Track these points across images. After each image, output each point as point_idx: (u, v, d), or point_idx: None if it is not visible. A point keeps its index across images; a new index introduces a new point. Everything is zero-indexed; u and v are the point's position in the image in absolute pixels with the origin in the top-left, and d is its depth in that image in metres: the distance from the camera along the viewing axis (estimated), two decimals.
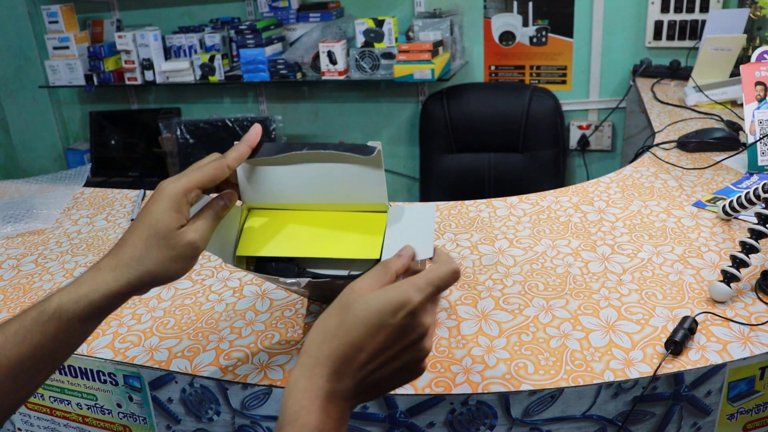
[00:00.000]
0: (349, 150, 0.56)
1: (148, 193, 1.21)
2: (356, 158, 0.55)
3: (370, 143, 0.56)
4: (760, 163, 1.08)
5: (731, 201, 0.89)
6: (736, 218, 0.92)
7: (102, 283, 0.53)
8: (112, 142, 2.64)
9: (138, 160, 2.61)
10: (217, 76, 2.28)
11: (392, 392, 0.59)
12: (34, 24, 2.63)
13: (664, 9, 1.99)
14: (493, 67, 2.26)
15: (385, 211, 0.60)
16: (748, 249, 0.74)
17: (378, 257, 0.58)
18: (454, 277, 0.50)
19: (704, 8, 1.93)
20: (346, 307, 0.48)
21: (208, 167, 0.56)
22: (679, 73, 1.84)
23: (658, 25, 2.01)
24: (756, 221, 0.75)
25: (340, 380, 0.46)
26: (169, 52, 2.39)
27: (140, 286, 0.54)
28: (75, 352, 0.70)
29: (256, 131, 0.58)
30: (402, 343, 0.48)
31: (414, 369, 0.50)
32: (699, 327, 0.68)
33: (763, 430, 0.69)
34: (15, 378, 0.51)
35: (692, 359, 0.64)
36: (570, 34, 2.13)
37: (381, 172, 0.56)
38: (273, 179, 0.60)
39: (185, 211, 0.55)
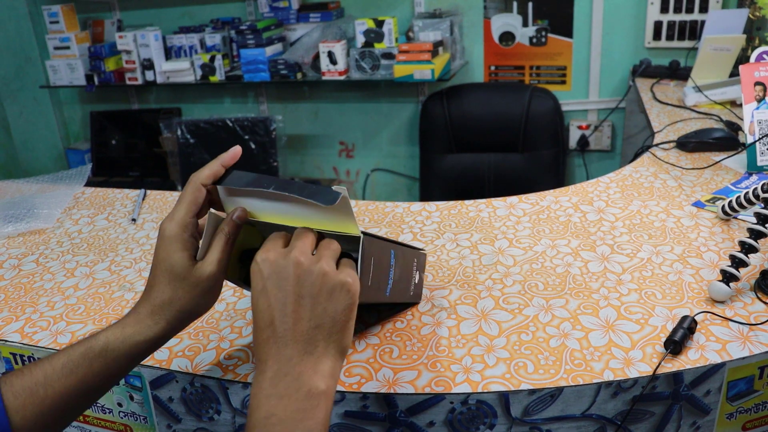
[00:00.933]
0: (313, 196, 0.54)
1: (149, 192, 1.21)
2: (320, 206, 0.54)
3: (335, 187, 0.53)
4: (759, 163, 1.08)
5: (730, 201, 0.89)
6: (735, 218, 0.92)
7: (144, 327, 0.56)
8: (113, 142, 2.65)
9: (139, 160, 2.61)
10: (218, 76, 2.28)
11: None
12: (35, 24, 2.64)
13: (664, 9, 1.99)
14: (492, 68, 2.26)
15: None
16: (748, 249, 0.74)
17: (359, 234, 0.57)
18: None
19: (703, 9, 1.94)
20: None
21: (186, 194, 0.58)
22: (678, 73, 1.85)
23: (658, 25, 2.01)
24: (755, 221, 0.75)
25: (275, 358, 0.49)
26: (169, 52, 2.39)
27: (180, 324, 0.58)
28: None
29: (233, 153, 0.59)
30: (287, 283, 0.50)
31: (336, 291, 0.51)
32: (698, 326, 0.68)
33: (763, 429, 0.69)
34: (59, 409, 0.53)
35: (691, 359, 0.64)
36: (570, 35, 2.13)
37: (349, 214, 0.54)
38: (249, 205, 0.60)
39: (190, 245, 0.57)
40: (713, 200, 0.99)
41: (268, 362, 0.49)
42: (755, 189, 0.82)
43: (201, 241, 0.59)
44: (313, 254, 0.53)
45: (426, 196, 2.27)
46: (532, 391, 0.62)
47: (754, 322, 0.69)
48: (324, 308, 0.51)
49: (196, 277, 0.56)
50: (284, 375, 0.49)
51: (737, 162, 1.14)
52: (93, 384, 0.55)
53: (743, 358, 0.64)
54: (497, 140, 2.15)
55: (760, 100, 1.09)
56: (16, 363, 0.77)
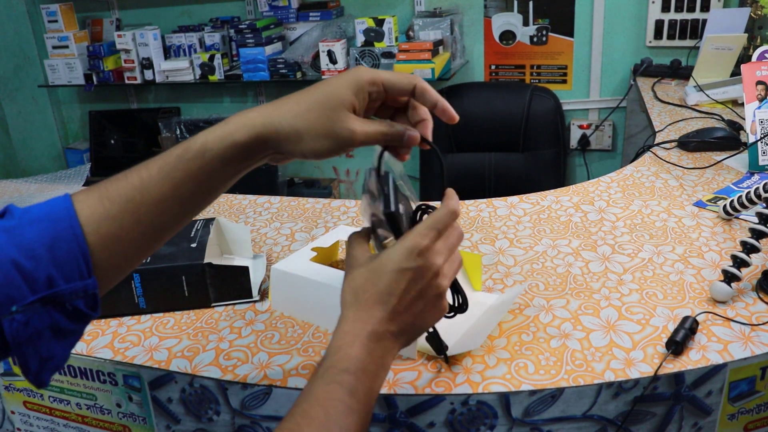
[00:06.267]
0: None
1: None
2: None
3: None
4: (760, 163, 1.08)
5: (732, 201, 0.89)
6: (736, 218, 0.92)
7: (249, 122, 0.50)
8: (112, 141, 2.64)
9: (137, 160, 2.55)
10: (217, 76, 2.28)
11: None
12: (34, 23, 2.63)
13: (665, 8, 1.98)
14: (493, 67, 2.26)
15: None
16: (749, 249, 0.74)
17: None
18: (452, 216, 0.54)
19: (705, 7, 1.93)
20: (365, 265, 0.54)
21: (404, 76, 0.54)
22: (679, 72, 1.84)
23: (659, 24, 2.01)
24: (757, 221, 0.75)
25: (379, 323, 0.52)
26: (168, 52, 2.39)
27: (283, 142, 0.51)
28: (74, 352, 0.70)
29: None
30: (422, 282, 0.53)
31: (437, 306, 0.55)
32: (700, 327, 0.68)
33: (764, 430, 0.69)
34: (156, 218, 0.50)
35: (693, 359, 0.64)
36: (570, 34, 2.13)
37: None
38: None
39: (361, 97, 0.52)
40: (715, 200, 0.98)
41: (371, 320, 0.52)
42: (757, 189, 0.82)
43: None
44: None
45: (426, 195, 2.27)
46: (532, 392, 0.62)
47: (755, 323, 0.68)
48: (425, 315, 0.54)
49: (339, 117, 0.51)
50: (378, 340, 0.52)
51: (739, 161, 1.13)
52: (189, 190, 0.50)
53: (745, 358, 0.64)
54: (498, 140, 2.15)
55: (761, 100, 1.09)
56: (14, 364, 0.76)
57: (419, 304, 0.53)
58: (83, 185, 1.26)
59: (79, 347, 0.73)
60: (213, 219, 0.87)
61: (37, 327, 0.45)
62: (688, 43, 1.99)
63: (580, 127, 2.21)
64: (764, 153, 1.08)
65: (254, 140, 0.50)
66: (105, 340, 0.74)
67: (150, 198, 0.49)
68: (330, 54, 2.07)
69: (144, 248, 0.51)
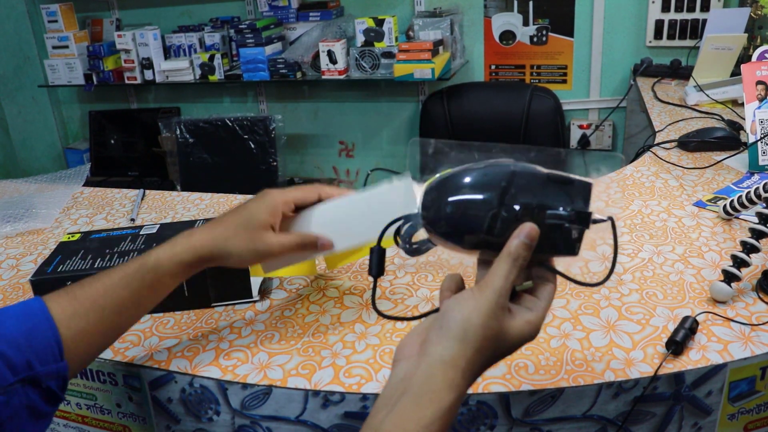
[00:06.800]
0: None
1: (148, 192, 1.21)
2: None
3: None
4: (760, 163, 1.08)
5: (732, 200, 0.89)
6: (736, 218, 0.92)
7: (192, 246, 0.64)
8: (112, 141, 2.64)
9: (137, 160, 2.61)
10: (217, 76, 2.28)
11: None
12: (34, 23, 2.63)
13: (665, 8, 1.98)
14: (493, 67, 2.26)
15: None
16: (749, 248, 0.74)
17: None
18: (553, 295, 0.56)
19: (705, 7, 1.93)
20: (504, 330, 0.51)
21: (305, 188, 0.70)
22: (679, 72, 1.84)
23: (659, 24, 2.01)
24: (757, 221, 0.75)
25: (472, 378, 0.51)
26: (168, 52, 2.39)
27: (217, 259, 0.65)
28: None
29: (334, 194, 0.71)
30: (517, 345, 0.53)
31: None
32: (700, 327, 0.68)
33: (765, 430, 0.69)
34: (116, 317, 0.62)
35: (693, 359, 0.64)
36: (570, 34, 2.13)
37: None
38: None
39: (276, 215, 0.67)
40: (715, 200, 0.98)
41: (465, 383, 0.50)
42: (757, 189, 0.82)
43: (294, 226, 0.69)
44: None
45: None
46: (532, 392, 0.62)
47: (755, 323, 0.68)
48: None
49: (261, 237, 0.65)
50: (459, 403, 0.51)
51: (739, 161, 1.13)
52: (142, 296, 0.63)
53: (745, 358, 0.64)
54: (498, 139, 2.13)
55: (761, 99, 1.09)
56: None
57: (500, 357, 0.53)
58: (83, 185, 1.26)
59: None
60: (213, 219, 0.87)
61: (15, 406, 0.52)
62: (688, 43, 1.99)
63: (580, 127, 2.21)
64: (764, 153, 1.08)
65: (196, 260, 0.64)
66: None
67: (112, 301, 0.61)
68: (330, 54, 2.07)
69: (106, 340, 0.63)
